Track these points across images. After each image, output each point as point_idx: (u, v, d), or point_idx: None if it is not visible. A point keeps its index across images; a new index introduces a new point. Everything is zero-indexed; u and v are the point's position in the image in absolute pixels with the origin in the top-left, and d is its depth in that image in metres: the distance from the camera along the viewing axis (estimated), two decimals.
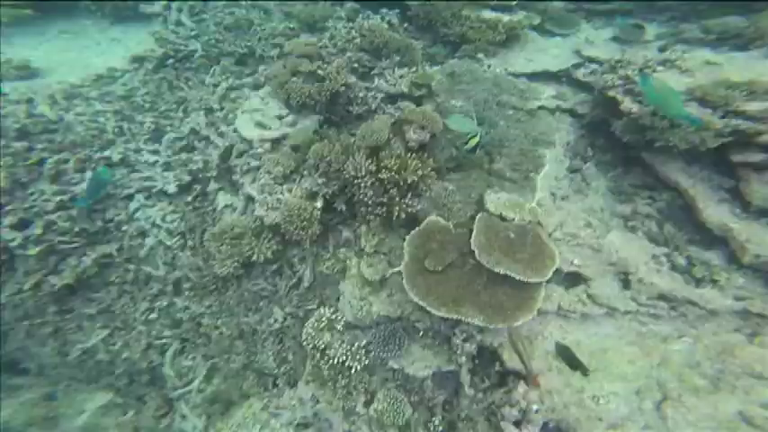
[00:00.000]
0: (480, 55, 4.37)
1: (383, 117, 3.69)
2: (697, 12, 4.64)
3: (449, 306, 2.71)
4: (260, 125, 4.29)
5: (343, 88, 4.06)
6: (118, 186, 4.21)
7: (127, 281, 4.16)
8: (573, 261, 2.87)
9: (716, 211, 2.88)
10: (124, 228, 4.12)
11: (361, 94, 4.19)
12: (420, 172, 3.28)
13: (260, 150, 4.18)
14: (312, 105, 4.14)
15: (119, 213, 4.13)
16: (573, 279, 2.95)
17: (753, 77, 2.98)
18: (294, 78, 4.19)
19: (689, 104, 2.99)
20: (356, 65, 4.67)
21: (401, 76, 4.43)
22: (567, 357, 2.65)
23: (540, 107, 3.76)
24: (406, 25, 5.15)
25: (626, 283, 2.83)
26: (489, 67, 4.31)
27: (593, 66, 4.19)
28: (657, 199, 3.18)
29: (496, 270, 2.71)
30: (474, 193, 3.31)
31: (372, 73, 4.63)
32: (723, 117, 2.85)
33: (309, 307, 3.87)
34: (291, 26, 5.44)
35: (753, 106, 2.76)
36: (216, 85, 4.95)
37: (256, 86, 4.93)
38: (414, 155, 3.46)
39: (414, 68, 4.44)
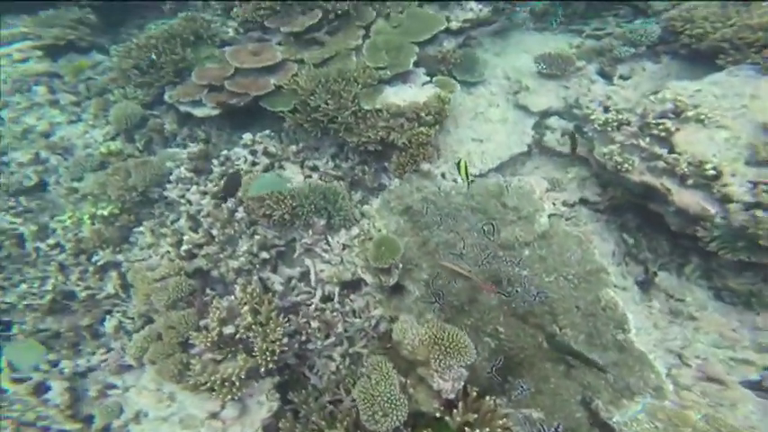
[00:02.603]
0: (425, 166, 3.00)
1: (378, 366, 2.19)
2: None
3: None
4: None
5: (285, 339, 2.37)
6: None
7: None
8: None
9: None
10: None
11: (313, 322, 2.55)
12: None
13: None
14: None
15: None
16: None
17: None
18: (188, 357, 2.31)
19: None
20: (264, 253, 2.90)
21: (345, 247, 2.86)
22: None
23: (550, 215, 2.65)
24: (295, 148, 3.43)
25: None
26: (444, 176, 2.99)
27: (554, 120, 3.20)
28: None
29: None
30: (575, 407, 2.25)
31: (297, 255, 2.93)
32: None
33: None
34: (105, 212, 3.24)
35: None
36: None
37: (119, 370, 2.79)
38: (460, 407, 2.11)
39: (353, 227, 2.90)
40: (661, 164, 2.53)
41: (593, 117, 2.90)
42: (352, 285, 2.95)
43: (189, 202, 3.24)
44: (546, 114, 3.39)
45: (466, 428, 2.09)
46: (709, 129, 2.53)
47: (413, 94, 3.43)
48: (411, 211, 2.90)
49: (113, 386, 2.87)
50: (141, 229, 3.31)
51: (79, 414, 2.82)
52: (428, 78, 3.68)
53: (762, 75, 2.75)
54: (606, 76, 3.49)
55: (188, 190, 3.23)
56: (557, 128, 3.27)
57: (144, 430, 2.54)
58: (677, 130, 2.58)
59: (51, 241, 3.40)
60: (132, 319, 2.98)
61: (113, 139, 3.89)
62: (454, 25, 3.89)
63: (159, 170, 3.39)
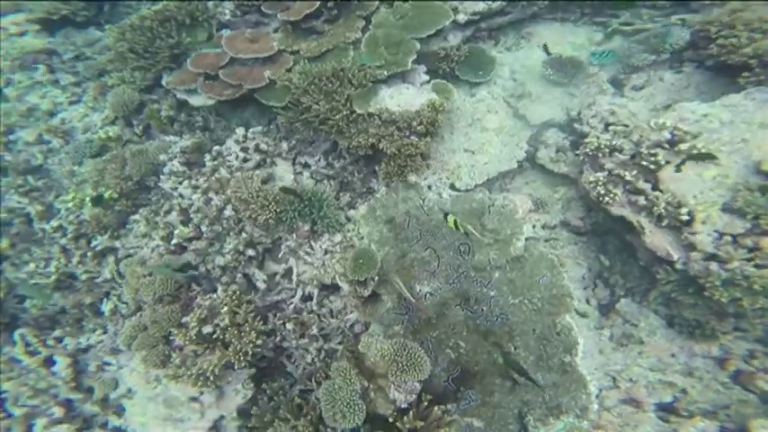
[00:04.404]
0: (412, 177, 3.16)
1: (342, 372, 2.52)
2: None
3: None
4: (170, 419, 2.87)
5: (260, 341, 2.72)
6: None
7: None
8: None
9: None
10: None
11: (288, 324, 2.90)
12: None
13: None
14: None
15: None
16: None
17: None
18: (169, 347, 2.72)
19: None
20: (251, 251, 3.22)
21: (327, 252, 3.13)
22: None
23: (527, 239, 2.82)
24: (286, 145, 3.64)
25: None
26: (430, 188, 3.16)
27: (552, 133, 3.25)
28: (751, 329, 2.60)
29: None
30: (510, 420, 2.58)
31: (282, 254, 3.23)
32: None
33: None
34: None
35: None
36: None
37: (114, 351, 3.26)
38: (411, 414, 2.44)
39: (336, 233, 3.15)
40: (642, 200, 2.59)
41: (587, 140, 2.90)
42: (332, 287, 3.23)
43: (181, 195, 3.57)
44: (545, 126, 3.40)
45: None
46: (700, 165, 2.54)
47: (409, 96, 3.47)
48: (394, 222, 3.11)
49: (109, 363, 3.34)
50: (137, 217, 3.66)
51: (82, 386, 3.36)
52: (427, 78, 3.70)
53: None
54: (618, 85, 3.41)
55: (180, 183, 3.55)
56: (552, 143, 3.29)
57: (134, 405, 3.02)
58: (667, 163, 2.59)
59: (54, 223, 3.81)
60: (126, 304, 3.37)
61: (112, 123, 4.19)
62: (461, 18, 3.84)
63: (154, 160, 3.66)
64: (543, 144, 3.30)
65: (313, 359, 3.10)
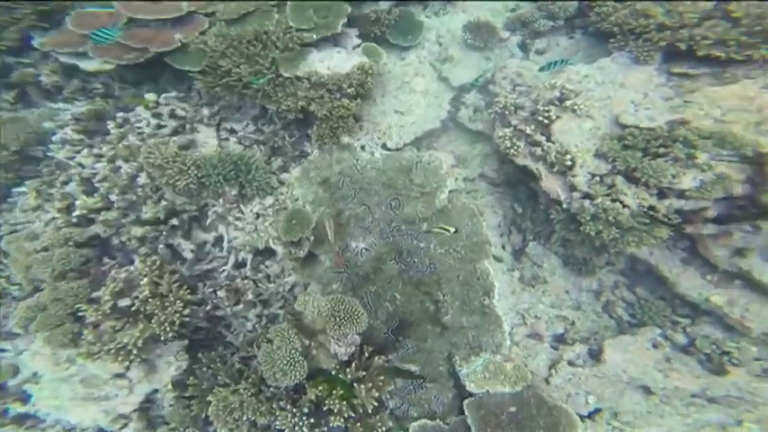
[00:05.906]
0: (345, 139, 3.33)
1: (280, 332, 2.61)
2: None
3: None
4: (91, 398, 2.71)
5: (187, 311, 2.68)
6: None
7: None
8: (588, 401, 2.83)
9: (689, 283, 3.00)
10: None
11: (219, 292, 2.87)
12: (375, 392, 2.59)
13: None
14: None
15: None
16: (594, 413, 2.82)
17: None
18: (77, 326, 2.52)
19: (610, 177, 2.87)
20: (174, 220, 3.08)
21: (259, 216, 3.14)
22: None
23: (451, 191, 3.19)
24: (208, 111, 3.52)
25: (648, 391, 2.82)
26: (363, 148, 3.37)
27: (471, 96, 3.66)
28: (616, 262, 3.22)
29: None
30: (441, 362, 2.88)
31: (210, 221, 3.15)
32: (660, 195, 2.79)
33: None
34: None
35: (686, 181, 2.71)
36: None
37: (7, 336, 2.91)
38: (353, 366, 2.64)
39: (267, 196, 3.18)
40: (539, 151, 3.01)
41: (497, 99, 3.27)
42: (267, 252, 3.17)
43: (81, 165, 3.23)
44: (464, 89, 3.71)
45: (355, 383, 2.57)
46: (581, 118, 3.01)
47: (340, 60, 3.45)
48: (329, 183, 3.13)
49: (3, 350, 2.93)
50: (23, 189, 3.17)
51: None
52: (359, 42, 3.68)
53: (634, 63, 3.20)
54: (525, 49, 3.83)
55: (78, 153, 3.19)
56: (470, 104, 3.63)
57: (43, 389, 2.74)
58: (557, 118, 3.03)
59: None
60: (18, 285, 2.95)
61: None
62: None
63: (37, 129, 3.21)
64: (464, 105, 3.64)
65: (254, 326, 3.08)
